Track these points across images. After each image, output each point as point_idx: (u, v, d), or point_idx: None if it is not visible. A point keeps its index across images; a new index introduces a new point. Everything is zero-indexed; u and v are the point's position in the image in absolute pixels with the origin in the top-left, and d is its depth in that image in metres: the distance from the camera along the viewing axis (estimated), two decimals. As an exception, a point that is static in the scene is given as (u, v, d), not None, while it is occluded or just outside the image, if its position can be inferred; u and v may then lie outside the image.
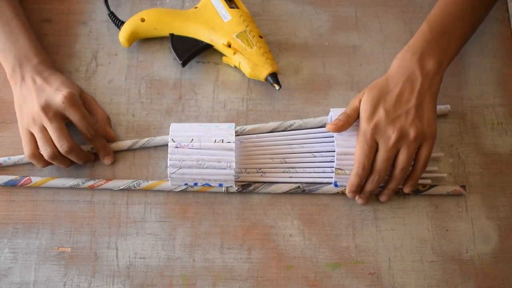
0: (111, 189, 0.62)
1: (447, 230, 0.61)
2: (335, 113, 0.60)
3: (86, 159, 0.62)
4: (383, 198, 0.60)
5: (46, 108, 0.58)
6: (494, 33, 0.70)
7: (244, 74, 0.67)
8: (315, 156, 0.62)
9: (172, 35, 0.67)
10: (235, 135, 0.62)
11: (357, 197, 0.60)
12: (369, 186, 0.58)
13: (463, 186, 0.61)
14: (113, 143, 0.64)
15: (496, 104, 0.66)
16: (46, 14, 0.71)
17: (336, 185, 0.61)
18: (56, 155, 0.59)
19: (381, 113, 0.56)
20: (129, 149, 0.64)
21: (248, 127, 0.64)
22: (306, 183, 0.62)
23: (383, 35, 0.70)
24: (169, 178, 0.59)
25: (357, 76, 0.68)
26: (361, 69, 0.68)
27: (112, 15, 0.69)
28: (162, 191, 0.63)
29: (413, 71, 0.57)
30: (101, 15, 0.71)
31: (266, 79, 0.65)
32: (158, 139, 0.64)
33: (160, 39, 0.70)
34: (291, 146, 0.62)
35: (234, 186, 0.61)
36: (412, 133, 0.56)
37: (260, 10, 0.71)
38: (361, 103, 0.57)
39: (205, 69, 0.69)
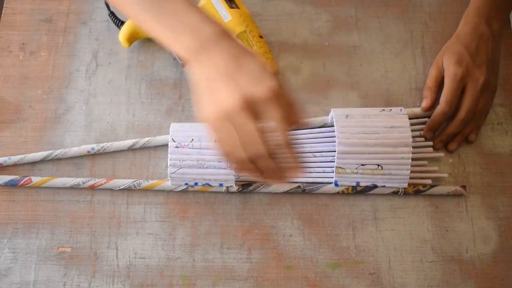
0: (111, 189, 0.62)
1: (447, 230, 0.61)
2: (336, 113, 0.60)
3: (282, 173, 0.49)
4: (453, 146, 0.64)
5: (249, 104, 0.44)
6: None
7: (244, 74, 0.67)
8: (315, 156, 0.62)
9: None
10: None
11: (437, 142, 0.64)
12: (451, 128, 0.63)
13: (464, 186, 0.61)
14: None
15: (496, 104, 0.66)
16: (46, 14, 0.71)
17: (336, 185, 0.61)
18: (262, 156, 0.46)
19: (467, 58, 0.62)
20: (129, 149, 0.64)
21: None
22: (306, 182, 0.62)
23: (383, 35, 0.70)
24: (169, 178, 0.59)
25: (357, 76, 0.68)
26: (361, 69, 0.68)
27: (112, 15, 0.69)
28: (162, 191, 0.63)
29: (482, 32, 0.63)
30: (101, 15, 0.71)
31: None
32: (158, 139, 0.64)
33: (160, 39, 0.70)
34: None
35: (234, 186, 0.61)
36: (492, 82, 0.63)
37: (260, 10, 0.71)
38: (445, 56, 0.63)
39: (205, 69, 0.68)
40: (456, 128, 0.63)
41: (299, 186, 0.61)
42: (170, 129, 0.60)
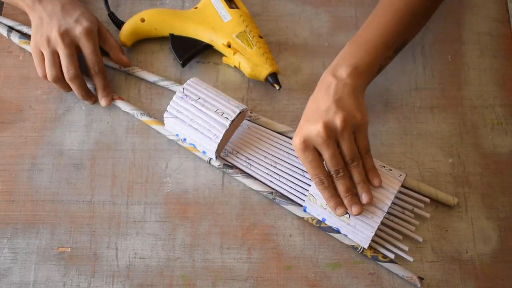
0: (111, 189, 0.62)
1: (447, 230, 0.61)
2: None
3: (87, 94, 0.65)
4: (364, 199, 0.56)
5: (64, 35, 0.62)
6: (494, 33, 0.70)
7: (244, 74, 0.67)
8: (304, 176, 0.61)
9: (172, 35, 0.67)
10: (247, 119, 0.64)
11: (347, 208, 0.56)
12: (340, 187, 0.56)
13: (421, 278, 0.58)
14: (127, 68, 0.68)
15: (496, 105, 0.66)
16: (46, 14, 0.71)
17: (305, 210, 0.60)
18: (60, 78, 0.63)
19: (302, 123, 0.56)
20: (154, 84, 0.67)
21: (263, 119, 0.65)
22: (280, 193, 0.61)
23: (383, 35, 0.70)
24: (163, 119, 0.61)
25: (357, 76, 0.68)
26: (361, 69, 0.68)
27: (112, 15, 0.69)
28: (163, 191, 0.62)
29: (327, 81, 0.57)
30: (101, 15, 0.71)
31: (266, 79, 0.65)
32: (176, 87, 0.67)
33: (160, 39, 0.70)
34: (288, 155, 0.62)
35: (215, 160, 0.62)
36: (338, 121, 0.54)
37: (260, 10, 0.71)
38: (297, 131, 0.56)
39: (205, 69, 0.69)
40: (343, 185, 0.56)
41: (271, 193, 0.61)
42: (188, 81, 0.61)
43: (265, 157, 0.62)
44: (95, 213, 0.62)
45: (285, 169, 0.62)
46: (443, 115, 0.66)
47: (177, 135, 0.62)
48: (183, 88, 0.60)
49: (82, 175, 0.63)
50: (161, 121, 0.64)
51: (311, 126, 0.55)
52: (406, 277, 0.58)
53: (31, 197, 0.63)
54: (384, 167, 0.59)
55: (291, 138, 0.63)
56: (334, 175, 0.55)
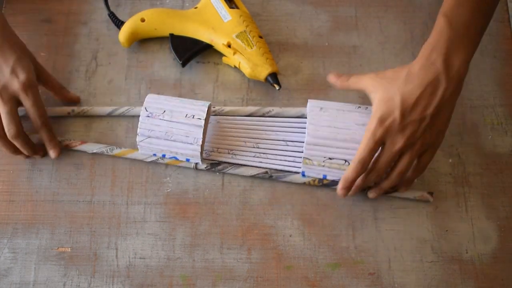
0: (111, 189, 0.62)
1: (447, 230, 0.61)
2: (311, 105, 0.60)
3: (33, 150, 0.62)
4: (371, 195, 0.60)
5: (2, 91, 0.58)
6: (494, 33, 0.70)
7: (244, 74, 0.67)
8: (288, 145, 0.62)
9: (172, 35, 0.67)
10: (213, 114, 0.64)
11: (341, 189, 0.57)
12: (360, 182, 0.56)
13: (431, 193, 0.60)
14: (77, 105, 0.66)
15: (496, 104, 0.66)
16: (46, 14, 0.71)
17: (303, 175, 0.61)
18: (3, 137, 0.59)
19: (396, 115, 0.53)
20: (108, 116, 0.65)
21: (226, 108, 0.65)
22: (274, 169, 0.62)
23: (383, 35, 0.70)
24: (137, 146, 0.60)
25: (357, 76, 0.68)
26: (361, 69, 0.68)
27: (112, 15, 0.69)
28: (163, 190, 0.62)
29: (438, 74, 0.53)
30: (101, 15, 0.71)
31: (266, 79, 0.65)
32: (137, 109, 0.65)
33: (160, 39, 0.70)
34: (266, 132, 0.63)
35: (201, 163, 0.62)
36: (419, 144, 0.54)
37: (260, 10, 0.71)
38: (376, 99, 0.54)
39: (205, 69, 0.69)
40: (365, 183, 0.57)
41: (266, 172, 0.62)
42: (146, 98, 0.61)
43: (245, 142, 0.63)
44: (95, 213, 0.62)
45: (268, 146, 0.63)
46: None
47: (154, 154, 0.62)
48: (145, 108, 0.60)
49: (82, 175, 0.63)
50: (133, 148, 0.63)
51: (399, 129, 0.53)
52: (417, 197, 0.60)
53: (31, 197, 0.63)
54: (360, 107, 0.60)
55: (259, 116, 0.64)
56: (372, 173, 0.56)
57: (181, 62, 0.66)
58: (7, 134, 0.59)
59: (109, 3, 0.70)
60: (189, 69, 0.69)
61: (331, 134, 0.58)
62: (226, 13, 0.66)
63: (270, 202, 0.62)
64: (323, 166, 0.59)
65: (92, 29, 0.71)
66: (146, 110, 0.60)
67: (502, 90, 0.67)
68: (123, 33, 0.67)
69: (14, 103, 0.59)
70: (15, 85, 0.58)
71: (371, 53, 0.69)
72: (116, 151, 0.63)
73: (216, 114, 0.64)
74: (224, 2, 0.67)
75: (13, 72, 0.58)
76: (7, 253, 0.60)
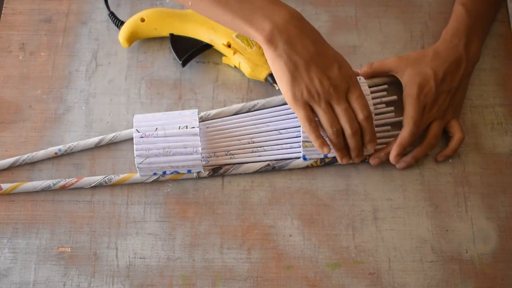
0: (111, 189, 0.62)
1: (447, 230, 0.61)
2: None
3: (360, 154, 0.60)
4: (401, 164, 0.62)
5: (336, 87, 0.55)
6: (494, 33, 0.70)
7: (244, 74, 0.67)
8: (281, 133, 0.63)
9: (172, 35, 0.67)
10: (200, 121, 0.63)
11: (395, 161, 0.61)
12: (420, 152, 0.61)
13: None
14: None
15: (496, 104, 0.66)
16: (46, 14, 0.71)
17: (305, 159, 0.61)
18: (340, 135, 0.57)
19: (431, 84, 0.60)
20: (96, 146, 0.64)
21: (213, 112, 0.64)
22: (275, 160, 0.62)
23: (383, 35, 0.70)
24: (137, 169, 0.60)
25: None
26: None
27: (112, 15, 0.69)
28: (163, 190, 0.62)
29: (459, 55, 0.62)
30: (101, 15, 0.71)
31: (266, 79, 0.65)
32: (124, 133, 0.64)
33: (160, 39, 0.70)
34: (256, 126, 0.63)
35: (203, 171, 0.61)
36: (448, 113, 0.61)
37: (260, 10, 0.71)
38: (407, 73, 0.61)
39: (205, 69, 0.69)
40: (425, 152, 0.62)
41: (268, 164, 0.62)
42: (134, 120, 0.60)
43: (239, 140, 0.63)
44: (95, 213, 0.62)
45: (262, 139, 0.63)
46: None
47: (155, 173, 0.61)
48: (136, 129, 0.59)
49: (82, 175, 0.63)
50: (132, 172, 0.63)
51: (434, 97, 0.60)
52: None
53: (31, 197, 0.63)
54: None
55: (246, 112, 0.65)
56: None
57: (181, 62, 0.66)
58: (349, 130, 0.56)
59: (109, 3, 0.70)
60: (189, 69, 0.69)
61: None
62: None
63: (270, 202, 0.62)
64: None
65: (92, 29, 0.71)
66: (138, 131, 0.59)
67: (502, 90, 0.67)
68: (123, 33, 0.67)
69: (346, 97, 0.56)
70: (344, 77, 0.56)
71: (371, 53, 0.69)
72: (115, 179, 0.62)
73: (203, 119, 0.64)
74: None
75: (337, 60, 0.56)
76: (7, 253, 0.60)
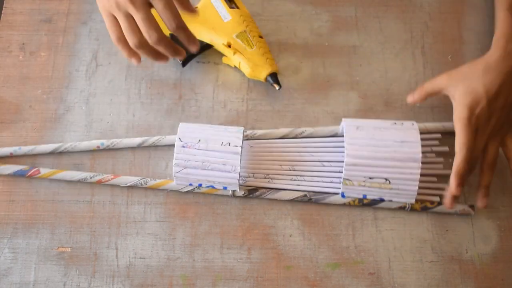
0: (111, 189, 0.62)
1: (447, 230, 0.61)
2: (347, 124, 0.60)
3: (175, 51, 0.58)
4: (483, 201, 0.58)
5: None
6: (494, 33, 0.70)
7: (244, 74, 0.67)
8: (324, 166, 0.62)
9: (172, 35, 0.67)
10: (245, 139, 0.63)
11: (449, 201, 0.57)
12: (487, 178, 0.58)
13: (472, 206, 0.61)
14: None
15: (496, 104, 0.66)
16: (46, 14, 0.71)
17: (343, 196, 0.60)
18: (144, 44, 0.56)
19: (483, 103, 0.56)
20: (139, 147, 0.64)
21: (259, 132, 0.64)
22: (313, 192, 0.62)
23: (383, 35, 0.70)
24: (174, 178, 0.59)
25: (357, 76, 0.68)
26: (361, 69, 0.68)
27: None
28: (163, 190, 0.63)
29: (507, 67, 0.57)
30: (101, 15, 0.71)
31: (266, 79, 0.65)
32: (168, 139, 0.64)
33: (160, 39, 0.70)
34: (300, 154, 0.62)
35: (239, 190, 0.61)
36: (503, 130, 0.57)
37: (260, 10, 0.71)
38: (458, 92, 0.57)
39: (205, 69, 0.69)
40: (490, 176, 0.58)
41: (305, 195, 0.61)
42: (179, 128, 0.60)
43: (280, 165, 0.62)
44: (95, 213, 0.62)
45: (304, 168, 0.62)
46: (443, 115, 0.66)
47: (190, 184, 0.61)
48: (179, 138, 0.59)
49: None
50: (167, 179, 0.62)
51: (488, 114, 0.56)
52: (459, 211, 0.60)
53: (31, 197, 0.63)
54: (395, 123, 0.60)
55: (292, 138, 0.64)
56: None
57: (181, 62, 0.66)
58: (149, 40, 0.55)
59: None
60: (189, 69, 0.69)
61: (370, 153, 0.58)
62: (226, 13, 0.66)
63: (270, 202, 0.62)
64: (364, 186, 0.58)
65: (92, 29, 0.71)
66: (181, 140, 0.59)
67: (502, 90, 0.67)
68: None
69: (147, 6, 0.54)
70: None
71: (371, 53, 0.69)
72: (151, 183, 0.62)
73: (248, 138, 0.64)
74: (224, 2, 0.67)
75: None
76: (7, 253, 0.60)
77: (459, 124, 0.56)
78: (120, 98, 0.67)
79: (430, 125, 0.64)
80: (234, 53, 0.65)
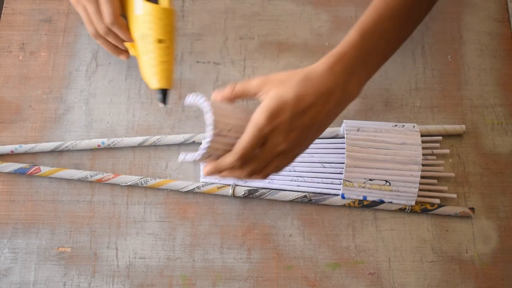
0: (111, 189, 0.62)
1: (447, 230, 0.61)
2: (348, 125, 0.60)
3: (120, 47, 0.62)
4: (207, 168, 0.50)
5: None
6: (494, 33, 0.70)
7: (244, 74, 0.67)
8: (324, 167, 0.62)
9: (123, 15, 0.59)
10: None
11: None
12: (228, 174, 0.51)
13: (472, 209, 0.61)
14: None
15: (496, 104, 0.66)
16: (46, 14, 0.71)
17: (343, 197, 0.60)
18: (97, 35, 0.61)
19: (286, 115, 0.48)
20: (139, 146, 0.64)
21: None
22: (313, 193, 0.62)
23: (383, 35, 0.70)
24: (201, 175, 0.62)
25: (357, 76, 0.68)
26: (361, 69, 0.68)
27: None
28: (163, 190, 0.62)
29: (336, 87, 0.49)
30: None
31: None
32: (168, 138, 0.64)
33: (160, 39, 0.69)
34: (301, 155, 0.62)
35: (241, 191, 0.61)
36: (295, 151, 0.50)
37: (260, 10, 0.71)
38: (269, 95, 0.48)
39: (205, 69, 0.69)
40: (234, 176, 0.51)
41: (305, 196, 0.61)
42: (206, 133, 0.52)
43: None
44: (95, 213, 0.62)
45: (304, 169, 0.62)
46: (443, 115, 0.66)
47: (192, 183, 0.61)
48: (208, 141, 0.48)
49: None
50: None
51: (284, 131, 0.48)
52: (459, 213, 0.60)
53: (31, 197, 0.63)
54: (396, 125, 0.60)
55: None
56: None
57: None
58: (100, 31, 0.59)
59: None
60: (189, 69, 0.69)
61: (370, 155, 0.58)
62: (139, 5, 0.55)
63: (270, 202, 0.62)
64: (364, 187, 0.59)
65: (92, 29, 0.71)
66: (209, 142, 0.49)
67: (502, 90, 0.67)
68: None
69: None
70: None
71: (371, 53, 0.69)
72: (151, 183, 0.62)
73: None
74: None
75: None
76: (7, 253, 0.60)
77: (251, 127, 0.48)
78: (120, 98, 0.67)
79: (431, 127, 0.63)
80: (136, 55, 0.59)
